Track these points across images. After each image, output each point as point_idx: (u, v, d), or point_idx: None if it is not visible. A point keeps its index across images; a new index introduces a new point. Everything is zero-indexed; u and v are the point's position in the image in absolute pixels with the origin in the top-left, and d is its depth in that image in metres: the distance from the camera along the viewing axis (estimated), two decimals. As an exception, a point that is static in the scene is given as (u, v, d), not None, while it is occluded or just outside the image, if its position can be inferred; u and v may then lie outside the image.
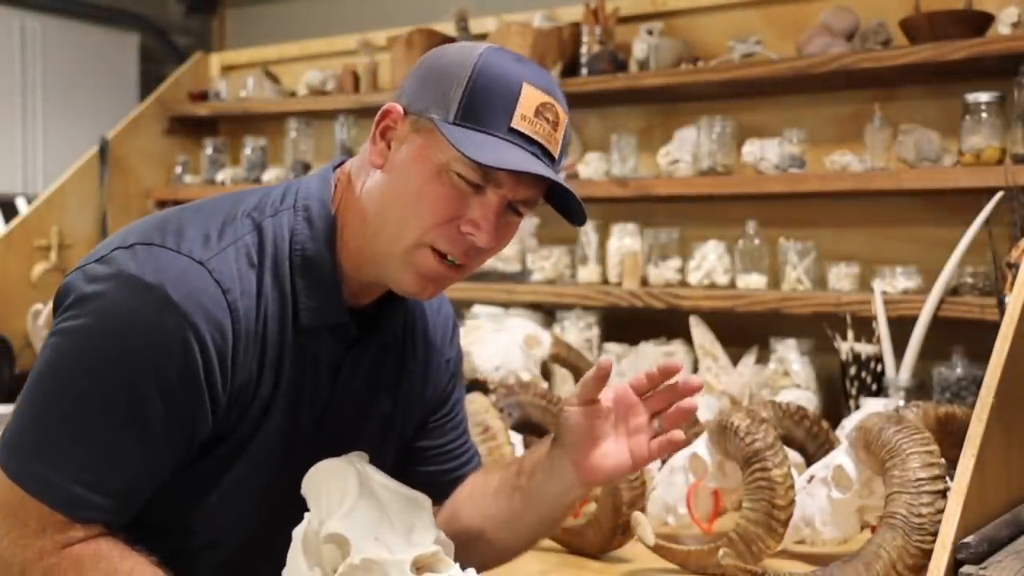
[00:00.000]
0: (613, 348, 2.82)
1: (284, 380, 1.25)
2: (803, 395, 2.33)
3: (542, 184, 1.22)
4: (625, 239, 2.89)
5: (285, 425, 1.27)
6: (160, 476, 1.21)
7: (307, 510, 1.24)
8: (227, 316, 1.18)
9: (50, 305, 1.30)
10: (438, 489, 1.42)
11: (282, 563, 1.23)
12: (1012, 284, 1.75)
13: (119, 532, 1.20)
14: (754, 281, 2.69)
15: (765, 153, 2.70)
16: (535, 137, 1.19)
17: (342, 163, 1.33)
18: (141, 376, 1.14)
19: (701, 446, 1.85)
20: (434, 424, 1.49)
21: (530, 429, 2.13)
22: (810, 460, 1.87)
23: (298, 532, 1.22)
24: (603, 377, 1.28)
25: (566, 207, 1.26)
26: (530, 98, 1.18)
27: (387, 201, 1.23)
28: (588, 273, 2.95)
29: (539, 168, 1.18)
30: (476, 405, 1.93)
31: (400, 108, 1.24)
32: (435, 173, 1.19)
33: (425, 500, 1.28)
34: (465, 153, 1.15)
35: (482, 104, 1.18)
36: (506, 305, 2.96)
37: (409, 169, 1.21)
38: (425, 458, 1.48)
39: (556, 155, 1.22)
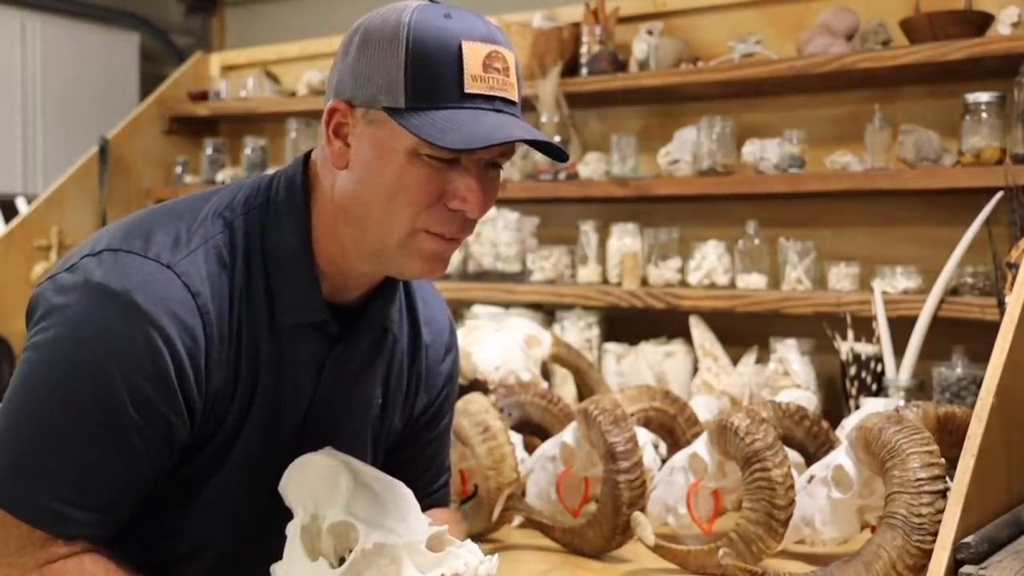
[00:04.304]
0: (613, 348, 2.82)
1: (263, 380, 1.24)
2: (803, 395, 2.32)
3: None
4: (625, 239, 2.89)
5: (267, 426, 1.26)
6: (143, 486, 1.19)
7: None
8: (197, 319, 1.17)
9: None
10: None
11: (271, 563, 1.22)
12: (1012, 284, 1.75)
13: (104, 547, 1.18)
14: (754, 281, 2.69)
15: (765, 153, 2.70)
16: (492, 93, 1.15)
17: (310, 153, 1.29)
18: (111, 385, 1.12)
19: (701, 446, 1.85)
20: (413, 435, 1.47)
21: (530, 429, 2.13)
22: (810, 460, 1.87)
23: (292, 527, 1.22)
24: None
25: (543, 147, 1.21)
26: (474, 55, 1.14)
27: (366, 199, 1.18)
28: (588, 273, 2.95)
29: (508, 127, 1.14)
30: (476, 405, 1.93)
31: (344, 103, 1.19)
32: (406, 160, 1.15)
33: (403, 485, 1.28)
34: (433, 141, 1.11)
35: (428, 79, 1.13)
36: (506, 305, 2.96)
37: (378, 163, 1.17)
38: (395, 469, 1.43)
39: (516, 99, 1.18)
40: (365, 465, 1.28)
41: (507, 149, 1.19)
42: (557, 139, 3.01)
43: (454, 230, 1.19)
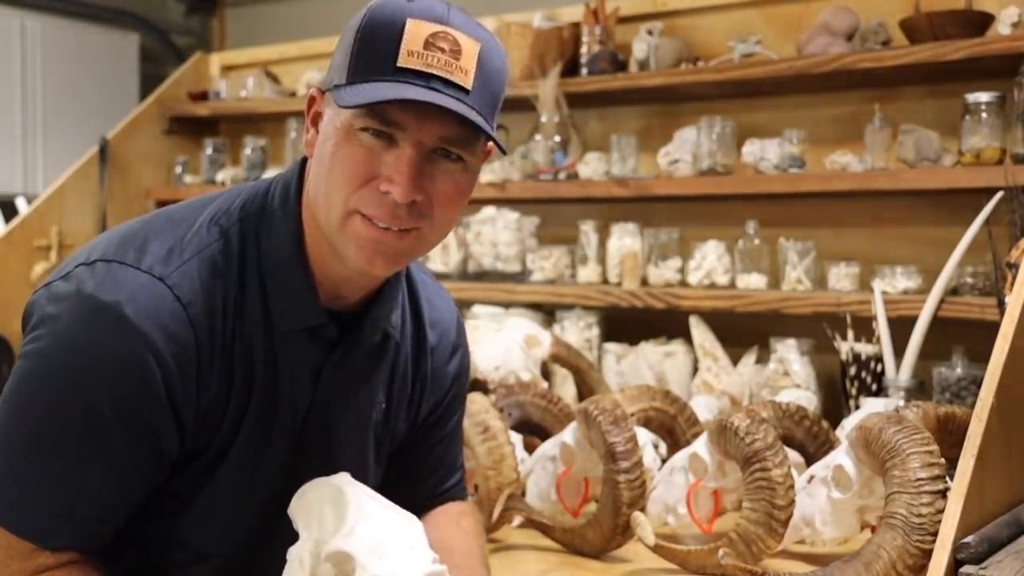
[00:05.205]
0: (613, 348, 2.82)
1: (258, 388, 1.22)
2: (803, 395, 2.33)
3: (457, 118, 1.12)
4: (625, 239, 2.89)
5: (262, 432, 1.24)
6: (133, 498, 1.19)
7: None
8: (189, 331, 1.15)
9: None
10: (409, 507, 1.32)
11: (275, 573, 1.21)
12: (1012, 284, 1.75)
13: (93, 556, 1.18)
14: (754, 281, 2.69)
15: (765, 153, 2.70)
16: (429, 70, 1.11)
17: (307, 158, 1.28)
18: (97, 399, 1.11)
19: (701, 446, 1.85)
20: (421, 436, 1.46)
21: (530, 429, 2.13)
22: (810, 460, 1.87)
23: (294, 553, 1.20)
24: None
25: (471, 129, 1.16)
26: (416, 32, 1.11)
27: (315, 182, 1.18)
28: (588, 273, 2.95)
29: (415, 94, 1.09)
30: (476, 405, 1.93)
31: (319, 91, 1.21)
32: (344, 137, 1.14)
33: (416, 520, 1.26)
34: (339, 103, 1.11)
35: (368, 55, 1.12)
36: (506, 305, 2.96)
37: (324, 144, 1.17)
38: (403, 470, 1.44)
39: (469, 85, 1.13)
40: (375, 495, 1.25)
41: (448, 134, 1.14)
42: (547, 135, 3.00)
43: (383, 214, 1.14)
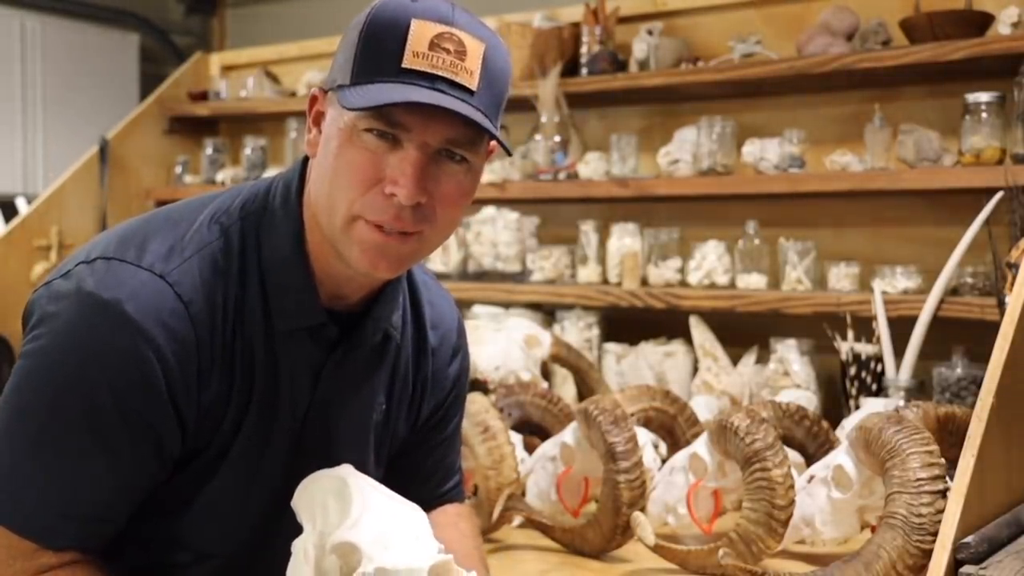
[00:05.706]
0: (613, 348, 2.82)
1: (258, 386, 1.22)
2: (803, 395, 2.33)
3: (462, 120, 1.11)
4: (625, 239, 2.90)
5: (263, 432, 1.24)
6: (134, 497, 1.18)
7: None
8: (189, 329, 1.15)
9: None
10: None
11: (277, 573, 1.20)
12: (1012, 284, 1.75)
13: (95, 555, 1.18)
14: (754, 281, 2.69)
15: (765, 153, 2.70)
16: (435, 71, 1.10)
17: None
18: (99, 397, 1.11)
19: (701, 446, 1.85)
20: (421, 439, 1.45)
21: (530, 429, 2.13)
22: (810, 460, 1.87)
23: (298, 545, 1.20)
24: None
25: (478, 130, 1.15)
26: (420, 32, 1.10)
27: (318, 184, 1.18)
28: (588, 273, 2.95)
29: (421, 96, 1.08)
30: (476, 405, 1.93)
31: (320, 90, 1.20)
32: (347, 139, 1.13)
33: (420, 510, 1.26)
34: (344, 104, 1.10)
35: (373, 55, 1.11)
36: (506, 305, 2.96)
37: (327, 145, 1.16)
38: (402, 473, 1.44)
39: (474, 85, 1.12)
40: (378, 486, 1.25)
41: (454, 135, 1.13)
42: (553, 138, 3.00)
43: (388, 219, 1.14)
